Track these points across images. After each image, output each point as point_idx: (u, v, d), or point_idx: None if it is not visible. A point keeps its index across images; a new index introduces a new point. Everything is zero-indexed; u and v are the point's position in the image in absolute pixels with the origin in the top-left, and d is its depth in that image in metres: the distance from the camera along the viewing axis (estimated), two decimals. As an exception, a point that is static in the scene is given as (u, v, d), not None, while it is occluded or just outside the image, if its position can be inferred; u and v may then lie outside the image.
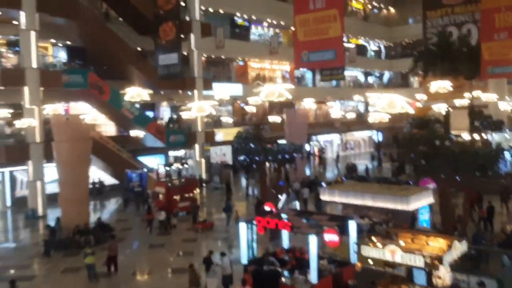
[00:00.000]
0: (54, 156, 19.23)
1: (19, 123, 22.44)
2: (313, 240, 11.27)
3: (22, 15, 23.46)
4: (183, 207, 23.05)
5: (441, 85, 23.35)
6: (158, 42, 24.51)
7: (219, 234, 19.86)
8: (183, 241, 18.88)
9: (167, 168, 29.06)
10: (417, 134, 15.85)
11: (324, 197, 15.47)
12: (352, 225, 12.24)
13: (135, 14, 29.46)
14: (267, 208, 14.11)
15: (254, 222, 12.71)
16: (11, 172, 26.72)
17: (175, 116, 33.95)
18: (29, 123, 22.22)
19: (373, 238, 11.00)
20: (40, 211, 23.98)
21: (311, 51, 18.21)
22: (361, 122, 51.82)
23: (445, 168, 15.07)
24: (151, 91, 20.86)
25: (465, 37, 33.12)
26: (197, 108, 19.25)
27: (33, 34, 23.60)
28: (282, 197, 21.18)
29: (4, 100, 26.03)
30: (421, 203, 14.08)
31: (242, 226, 12.82)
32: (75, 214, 18.80)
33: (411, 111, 15.18)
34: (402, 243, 10.76)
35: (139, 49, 31.09)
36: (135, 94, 19.49)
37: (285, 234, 13.93)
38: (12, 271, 16.01)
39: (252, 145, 20.09)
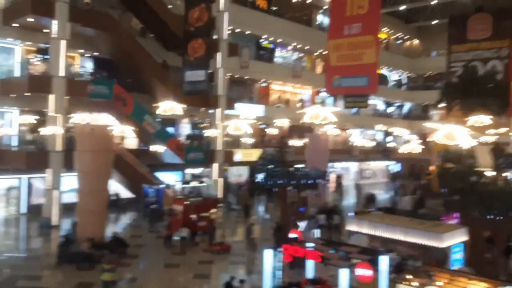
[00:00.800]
0: (76, 165, 18.99)
1: (45, 131, 22.26)
2: (344, 273, 10.70)
3: (54, 24, 23.58)
4: (200, 227, 22.54)
5: (479, 119, 22.54)
6: (186, 59, 24.43)
7: (236, 257, 19.25)
8: (199, 262, 18.30)
9: (185, 186, 28.76)
10: (453, 168, 15.31)
11: (352, 227, 14.89)
12: (384, 260, 11.60)
13: (164, 30, 29.56)
14: (292, 235, 13.53)
15: (280, 249, 12.17)
16: (28, 179, 26.58)
17: (197, 133, 33.79)
18: (54, 131, 22.06)
19: (408, 276, 10.42)
20: (54, 220, 23.65)
21: (343, 77, 17.93)
22: (380, 151, 51.27)
23: (479, 206, 14.43)
24: (184, 106, 20.60)
25: (494, 73, 32.63)
26: (234, 127, 18.85)
27: (63, 43, 23.68)
28: (302, 224, 20.60)
29: (29, 107, 26.13)
30: (455, 240, 13.44)
31: (268, 253, 12.28)
32: (91, 226, 18.44)
33: (474, 144, 14.55)
34: (439, 283, 10.16)
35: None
36: (168, 108, 19.18)
37: (309, 264, 13.31)
38: (22, 282, 15.56)
39: (276, 168, 19.63)
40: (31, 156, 23.65)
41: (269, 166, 19.15)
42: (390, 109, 58.90)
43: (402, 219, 15.08)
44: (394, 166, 56.81)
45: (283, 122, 27.99)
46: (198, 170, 35.30)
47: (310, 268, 13.30)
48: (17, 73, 26.42)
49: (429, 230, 13.41)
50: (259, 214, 28.85)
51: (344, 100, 33.82)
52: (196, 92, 24.32)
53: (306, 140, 30.04)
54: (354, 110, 51.63)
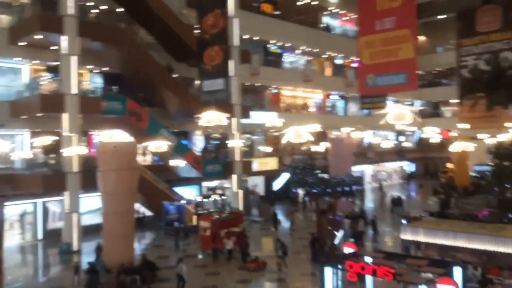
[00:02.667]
0: (99, 186, 17.91)
1: (67, 151, 21.18)
2: (423, 291, 9.58)
3: (64, 40, 22.59)
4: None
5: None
6: (202, 68, 23.36)
7: (273, 274, 18.07)
8: (237, 282, 17.14)
9: (205, 200, 27.74)
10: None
11: (406, 235, 13.76)
12: (458, 272, 10.50)
13: (174, 40, 28.61)
14: (348, 249, 12.37)
15: (341, 266, 11.03)
16: (43, 203, 25.46)
17: (211, 145, 32.83)
18: (77, 151, 21.03)
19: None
20: (75, 245, 22.50)
21: (378, 75, 16.85)
22: (395, 152, 50.23)
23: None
24: (228, 115, 19.64)
25: (519, 63, 31.52)
26: (295, 134, 17.72)
27: (74, 59, 22.70)
28: (339, 233, 19.50)
29: (40, 128, 25.10)
30: (525, 245, 12.31)
31: (327, 271, 11.15)
32: (119, 250, 17.31)
33: None
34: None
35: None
36: (212, 118, 18.01)
37: (369, 279, 12.16)
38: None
39: (309, 176, 18.55)
40: (47, 179, 22.53)
41: (302, 176, 18.01)
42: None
43: (460, 223, 13.97)
44: (408, 166, 55.78)
45: (316, 128, 26.85)
46: (214, 183, 34.28)
47: (370, 286, 12.17)
48: (26, 93, 25.36)
49: (496, 235, 12.29)
50: (282, 224, 27.71)
51: (360, 101, 32.81)
52: (215, 102, 23.24)
53: (328, 145, 28.92)
54: (366, 111, 50.86)
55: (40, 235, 25.33)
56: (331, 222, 19.58)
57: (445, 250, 13.56)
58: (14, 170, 24.67)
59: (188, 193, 30.78)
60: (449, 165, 52.11)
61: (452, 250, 13.50)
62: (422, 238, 13.47)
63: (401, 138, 55.28)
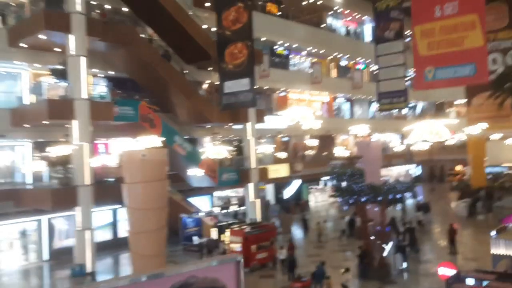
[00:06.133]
0: (125, 201, 15.75)
1: (93, 162, 19.00)
2: None
3: (71, 40, 20.35)
4: (261, 259, 19.46)
5: None
6: (222, 68, 21.31)
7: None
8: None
9: (224, 211, 25.75)
10: None
11: (498, 249, 11.92)
12: None
13: (184, 40, 26.59)
14: (447, 270, 10.43)
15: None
16: (48, 220, 23.11)
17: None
18: (99, 161, 18.90)
19: None
20: (88, 266, 20.17)
21: (438, 67, 15.11)
22: (402, 155, 48.81)
23: None
24: (313, 111, 17.63)
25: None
26: (428, 131, 15.57)
27: (83, 60, 20.44)
28: (388, 247, 17.66)
29: (44, 138, 22.88)
30: None
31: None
32: (150, 274, 15.13)
33: None
34: None
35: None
36: (298, 115, 15.91)
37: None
38: None
39: (353, 182, 16.72)
40: (56, 194, 20.21)
41: (350, 183, 16.17)
42: (404, 110, 56.48)
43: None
44: (415, 170, 54.49)
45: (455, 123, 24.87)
46: (227, 192, 32.33)
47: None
48: (26, 100, 23.05)
49: None
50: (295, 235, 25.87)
51: (378, 101, 31.08)
52: (239, 104, 21.26)
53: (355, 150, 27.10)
54: (371, 113, 49.56)
55: (46, 256, 22.95)
56: (378, 234, 17.72)
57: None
58: (16, 184, 22.33)
59: (200, 203, 28.79)
60: (458, 168, 50.91)
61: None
62: (518, 252, 11.69)
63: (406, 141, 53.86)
